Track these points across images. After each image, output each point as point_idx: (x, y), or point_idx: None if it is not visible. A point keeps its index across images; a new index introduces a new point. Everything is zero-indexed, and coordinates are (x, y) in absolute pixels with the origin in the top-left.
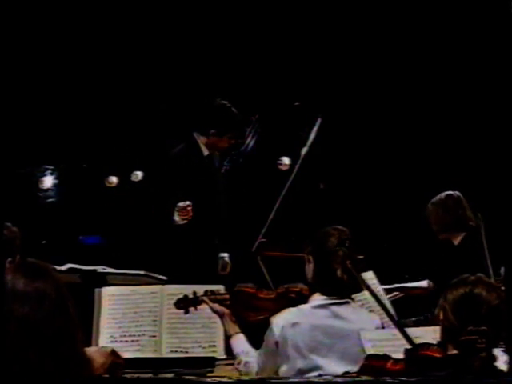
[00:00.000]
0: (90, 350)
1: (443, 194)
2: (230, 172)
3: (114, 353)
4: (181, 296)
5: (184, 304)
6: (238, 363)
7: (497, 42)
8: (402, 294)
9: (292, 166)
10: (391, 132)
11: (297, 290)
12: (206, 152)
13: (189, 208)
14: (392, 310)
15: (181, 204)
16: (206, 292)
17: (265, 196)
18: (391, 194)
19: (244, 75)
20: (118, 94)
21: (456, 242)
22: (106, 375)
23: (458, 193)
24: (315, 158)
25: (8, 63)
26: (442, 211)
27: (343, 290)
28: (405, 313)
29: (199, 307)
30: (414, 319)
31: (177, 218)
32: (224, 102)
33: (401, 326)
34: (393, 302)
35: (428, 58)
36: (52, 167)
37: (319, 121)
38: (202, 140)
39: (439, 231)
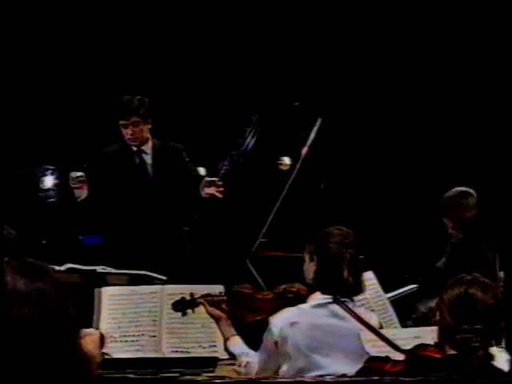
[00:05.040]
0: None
1: (472, 193)
2: (230, 172)
3: (101, 336)
4: (178, 298)
5: (181, 306)
6: (239, 365)
7: (498, 41)
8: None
9: (292, 165)
10: (391, 132)
11: (295, 290)
12: (134, 148)
13: (81, 179)
14: (392, 311)
15: (72, 174)
16: (203, 294)
17: (265, 196)
18: (391, 193)
19: (244, 75)
20: (119, 94)
21: (460, 236)
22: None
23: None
24: (315, 158)
25: (8, 63)
26: (461, 206)
27: (347, 290)
28: (405, 311)
29: (196, 309)
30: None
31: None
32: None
33: (384, 336)
34: (393, 302)
35: (428, 56)
36: (52, 167)
37: (319, 121)
38: None
39: (451, 226)
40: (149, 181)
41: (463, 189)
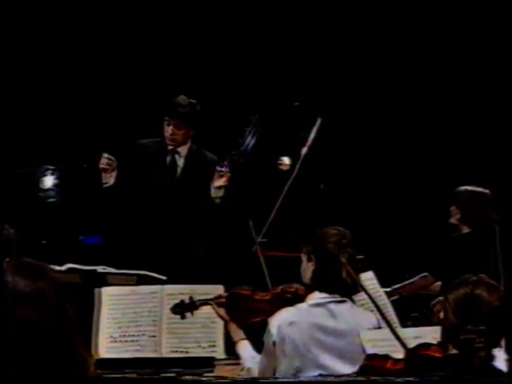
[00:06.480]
0: None
1: (484, 190)
2: (230, 172)
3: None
4: (178, 299)
5: (181, 309)
6: (242, 369)
7: (497, 42)
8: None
9: (292, 165)
10: (391, 132)
11: (293, 290)
12: (170, 146)
13: (110, 161)
14: (392, 311)
15: (105, 154)
16: (202, 298)
17: (265, 196)
18: (391, 193)
19: (244, 75)
20: (119, 94)
21: (464, 231)
22: None
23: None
24: (315, 158)
25: (8, 63)
26: (474, 205)
27: (346, 289)
28: (405, 311)
29: (195, 312)
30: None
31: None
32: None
33: (395, 330)
34: (393, 302)
35: (428, 56)
36: (52, 167)
37: (319, 121)
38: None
39: (457, 217)
40: (175, 182)
41: (488, 192)
